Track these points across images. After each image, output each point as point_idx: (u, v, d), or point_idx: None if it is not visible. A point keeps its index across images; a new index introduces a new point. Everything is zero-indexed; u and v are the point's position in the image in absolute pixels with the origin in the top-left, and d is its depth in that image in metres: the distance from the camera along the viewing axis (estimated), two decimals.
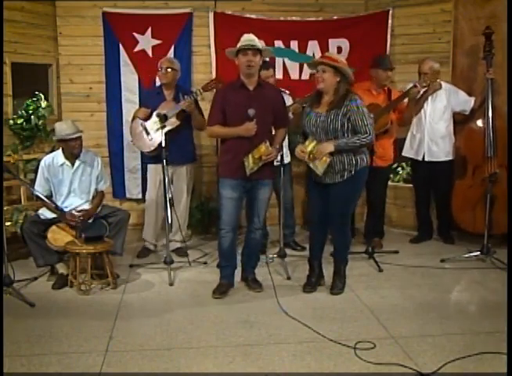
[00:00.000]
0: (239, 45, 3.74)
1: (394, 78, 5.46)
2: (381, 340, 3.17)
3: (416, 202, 5.33)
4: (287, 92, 4.70)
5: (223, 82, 4.54)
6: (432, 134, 4.98)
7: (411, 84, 4.70)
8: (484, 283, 4.14)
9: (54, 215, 4.19)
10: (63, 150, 4.29)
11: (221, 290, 3.91)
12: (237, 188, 3.84)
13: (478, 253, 4.55)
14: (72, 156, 4.28)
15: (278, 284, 3.96)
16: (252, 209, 3.96)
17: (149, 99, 4.80)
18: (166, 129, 4.26)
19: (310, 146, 3.69)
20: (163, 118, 4.22)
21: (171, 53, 5.48)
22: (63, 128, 4.22)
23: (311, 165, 3.70)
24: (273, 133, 3.95)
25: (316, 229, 3.99)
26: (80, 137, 4.24)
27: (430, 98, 4.96)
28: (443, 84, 4.98)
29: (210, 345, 3.15)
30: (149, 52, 5.53)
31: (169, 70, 4.66)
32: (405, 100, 4.74)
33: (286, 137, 4.69)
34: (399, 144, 5.18)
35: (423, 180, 5.18)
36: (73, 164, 4.29)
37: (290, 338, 3.21)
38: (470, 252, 4.63)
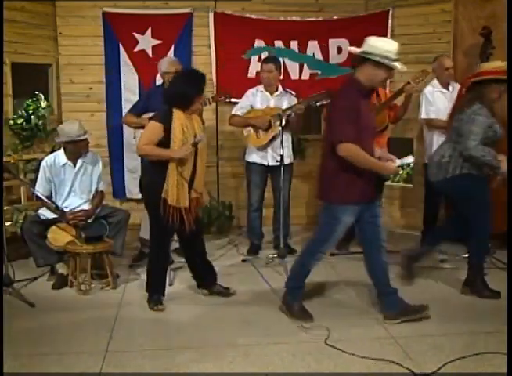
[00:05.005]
0: None
1: (394, 78, 5.45)
2: (381, 340, 3.18)
3: (428, 206, 5.15)
4: (293, 92, 4.72)
5: (230, 93, 4.76)
6: None
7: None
8: None
9: (54, 215, 4.19)
10: (64, 149, 4.28)
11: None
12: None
13: None
14: (75, 156, 4.27)
15: (278, 284, 3.96)
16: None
17: (152, 97, 4.72)
18: None
19: None
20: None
21: (171, 53, 5.48)
22: (73, 129, 4.17)
23: None
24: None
25: None
26: (87, 137, 4.27)
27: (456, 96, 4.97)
28: (453, 84, 4.99)
29: (210, 345, 3.15)
30: (149, 52, 5.53)
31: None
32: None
33: (289, 137, 4.71)
34: (398, 144, 5.16)
35: None
36: (75, 164, 4.29)
37: (290, 338, 3.21)
38: None
